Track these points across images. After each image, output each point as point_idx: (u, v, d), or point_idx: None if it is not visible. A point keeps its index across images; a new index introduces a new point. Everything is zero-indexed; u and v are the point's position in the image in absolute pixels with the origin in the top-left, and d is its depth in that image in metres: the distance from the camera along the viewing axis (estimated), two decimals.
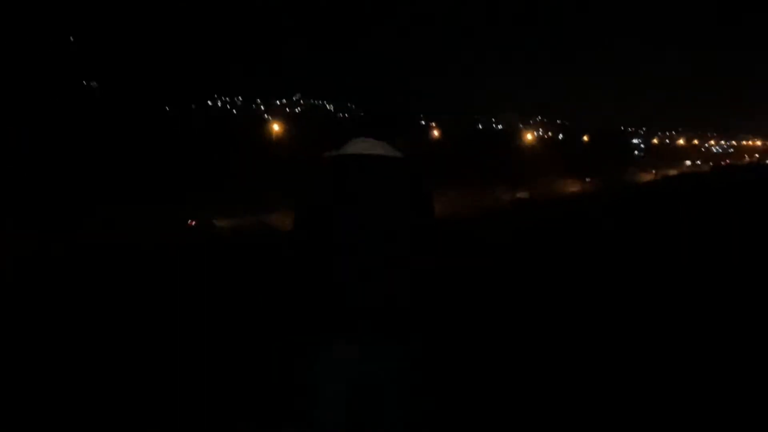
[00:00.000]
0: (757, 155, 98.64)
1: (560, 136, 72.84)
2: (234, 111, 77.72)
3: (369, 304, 1.62)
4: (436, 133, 55.06)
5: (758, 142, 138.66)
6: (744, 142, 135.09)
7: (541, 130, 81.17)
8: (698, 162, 72.11)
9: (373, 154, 1.69)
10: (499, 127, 72.59)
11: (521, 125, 71.82)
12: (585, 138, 61.32)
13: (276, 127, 49.07)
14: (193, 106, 57.62)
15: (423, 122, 77.53)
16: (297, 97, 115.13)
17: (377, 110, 1.83)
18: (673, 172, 57.93)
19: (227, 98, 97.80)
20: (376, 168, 1.68)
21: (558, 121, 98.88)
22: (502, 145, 40.60)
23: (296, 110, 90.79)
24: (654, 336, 4.22)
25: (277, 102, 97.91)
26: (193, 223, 24.64)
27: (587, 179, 44.26)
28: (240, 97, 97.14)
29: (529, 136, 55.00)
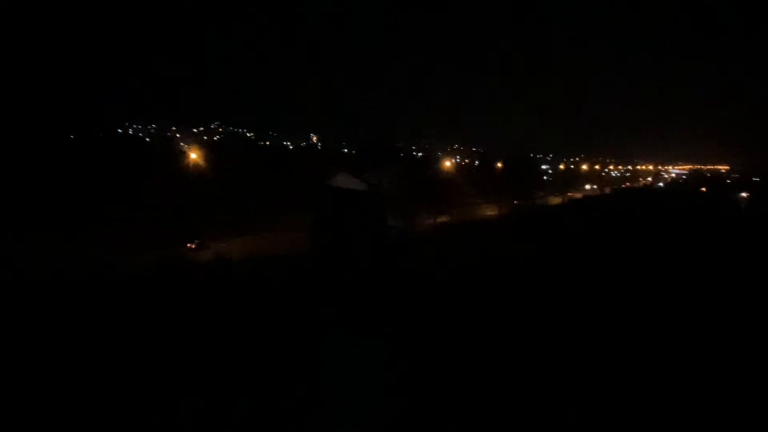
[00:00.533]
0: (650, 178, 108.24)
1: (476, 163, 76.12)
2: (147, 139, 74.32)
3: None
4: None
5: (650, 167, 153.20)
6: (639, 167, 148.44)
7: (458, 157, 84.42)
8: (595, 186, 77.26)
9: (349, 187, 2.33)
10: (419, 154, 74.63)
11: (439, 153, 74.35)
12: (499, 164, 64.47)
13: (193, 156, 47.36)
14: (100, 134, 54.34)
15: (345, 150, 77.97)
16: (215, 125, 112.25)
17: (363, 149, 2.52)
18: (578, 195, 62.47)
19: (138, 125, 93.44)
20: (348, 197, 2.31)
21: (473, 149, 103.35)
22: (422, 173, 41.75)
23: (214, 138, 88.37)
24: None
25: (194, 130, 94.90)
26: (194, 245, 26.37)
27: (515, 201, 46.31)
28: (154, 125, 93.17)
29: (447, 163, 56.97)
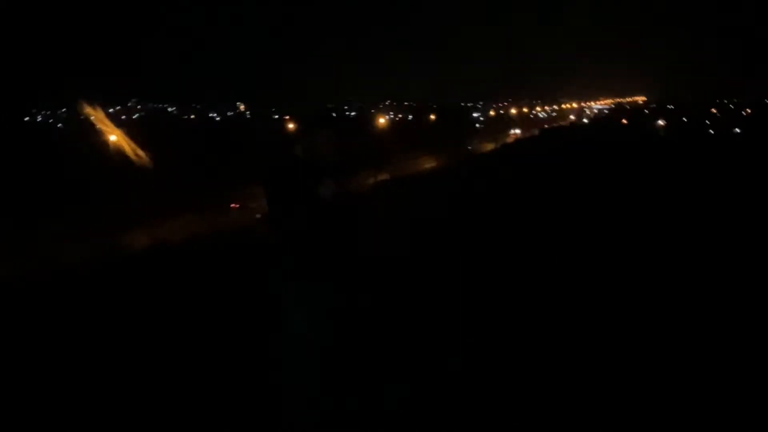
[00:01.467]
0: (572, 117, 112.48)
1: (409, 117, 76.23)
2: (59, 125, 69.05)
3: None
4: (291, 125, 54.44)
5: (575, 105, 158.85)
6: (564, 106, 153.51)
7: (391, 113, 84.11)
8: (518, 131, 77.24)
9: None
10: (352, 114, 73.79)
11: (372, 110, 73.78)
12: (431, 116, 64.87)
13: (113, 138, 44.54)
14: (3, 123, 49.95)
15: (276, 116, 75.83)
16: (132, 103, 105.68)
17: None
18: (509, 140, 64.14)
19: (47, 111, 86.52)
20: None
21: (405, 103, 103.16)
22: (357, 131, 41.37)
23: (133, 117, 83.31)
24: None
25: (110, 110, 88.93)
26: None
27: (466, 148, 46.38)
28: (64, 109, 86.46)
29: (381, 120, 56.69)
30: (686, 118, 74.72)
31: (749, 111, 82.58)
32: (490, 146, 58.22)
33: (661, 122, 69.18)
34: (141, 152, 38.98)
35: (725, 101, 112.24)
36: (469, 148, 52.22)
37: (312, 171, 2.62)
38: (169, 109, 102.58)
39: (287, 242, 2.66)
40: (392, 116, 77.96)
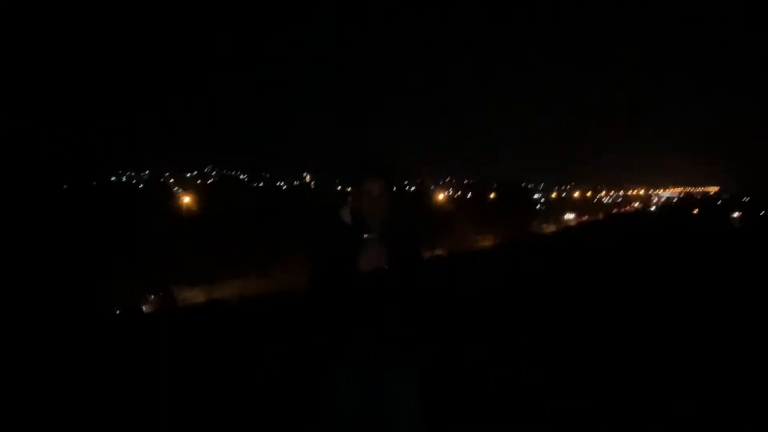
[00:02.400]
0: (636, 204, 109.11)
1: (469, 195, 76.62)
2: (141, 186, 74.50)
3: None
4: None
5: (641, 191, 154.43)
6: (630, 192, 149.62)
7: (450, 190, 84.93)
8: (573, 216, 74.59)
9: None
10: (413, 189, 75.06)
11: (433, 186, 74.89)
12: (492, 195, 64.96)
13: (186, 200, 47.52)
14: (94, 182, 54.20)
15: (339, 187, 78.47)
16: (209, 168, 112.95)
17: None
18: (564, 225, 63.13)
19: (132, 172, 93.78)
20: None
21: (465, 181, 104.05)
22: (417, 206, 42.03)
23: (208, 182, 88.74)
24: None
25: (187, 174, 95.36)
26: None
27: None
28: (147, 172, 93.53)
29: (440, 196, 57.41)
30: (765, 211, 70.73)
31: None
32: (551, 228, 57.40)
33: (736, 214, 65.82)
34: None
35: None
36: (533, 227, 51.57)
37: (357, 233, 2.31)
38: (241, 177, 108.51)
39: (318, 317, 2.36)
40: (451, 193, 78.65)
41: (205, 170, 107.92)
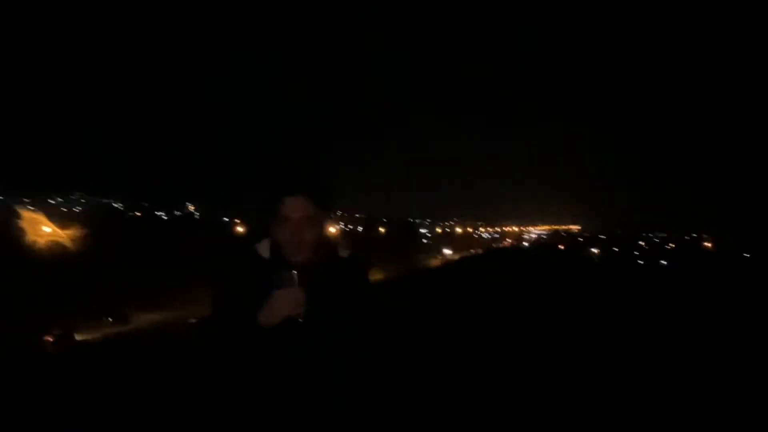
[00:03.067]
0: (507, 240, 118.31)
1: (360, 229, 77.61)
2: None
3: None
4: (240, 228, 54.14)
5: (515, 228, 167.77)
6: (506, 228, 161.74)
7: (341, 223, 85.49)
8: (450, 251, 77.28)
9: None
10: None
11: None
12: (381, 230, 66.40)
13: (46, 229, 42.72)
14: None
15: (226, 219, 75.39)
16: (76, 196, 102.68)
17: None
18: (454, 257, 66.46)
19: None
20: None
21: (356, 215, 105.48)
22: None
23: (75, 209, 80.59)
24: None
25: (50, 201, 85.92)
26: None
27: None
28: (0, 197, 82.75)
29: (332, 230, 57.50)
30: (617, 248, 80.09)
31: (672, 246, 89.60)
32: (435, 261, 60.05)
33: (595, 250, 73.72)
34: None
35: (650, 235, 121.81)
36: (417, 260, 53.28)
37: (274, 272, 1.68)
38: (114, 205, 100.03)
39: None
40: (343, 226, 79.16)
41: (72, 197, 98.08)
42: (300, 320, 1.65)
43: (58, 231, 42.17)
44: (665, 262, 55.49)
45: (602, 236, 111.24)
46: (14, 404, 4.84)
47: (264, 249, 1.79)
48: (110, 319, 25.14)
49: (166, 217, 79.95)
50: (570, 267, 33.30)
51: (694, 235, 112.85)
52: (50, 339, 21.31)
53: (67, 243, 39.25)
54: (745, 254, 65.73)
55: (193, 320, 26.24)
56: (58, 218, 48.91)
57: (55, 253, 36.24)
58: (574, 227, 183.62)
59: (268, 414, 1.68)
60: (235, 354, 1.68)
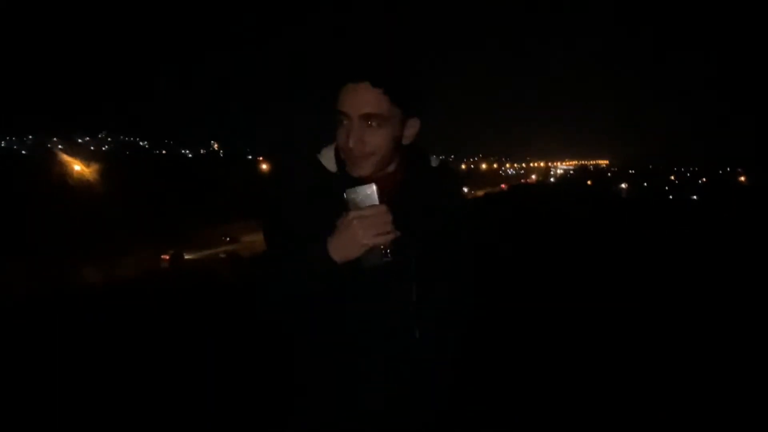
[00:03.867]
0: (533, 176, 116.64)
1: None
2: (23, 152, 67.18)
3: None
4: (264, 166, 54.42)
5: (542, 163, 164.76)
6: (532, 164, 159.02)
7: None
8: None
9: None
10: None
11: None
12: None
13: (77, 167, 43.58)
14: None
15: (250, 156, 75.83)
16: (103, 135, 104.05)
17: None
18: (480, 192, 65.92)
19: (12, 137, 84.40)
20: None
21: None
22: None
23: (103, 148, 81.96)
24: None
25: (79, 140, 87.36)
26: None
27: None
28: (30, 136, 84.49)
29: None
30: (647, 183, 78.11)
31: (705, 180, 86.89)
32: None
33: (623, 185, 72.08)
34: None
35: (682, 169, 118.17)
36: None
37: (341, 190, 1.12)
38: (141, 143, 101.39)
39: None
40: None
41: (99, 136, 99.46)
42: (387, 252, 1.09)
43: (86, 170, 43.12)
44: (696, 197, 54.15)
45: (632, 171, 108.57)
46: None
47: (328, 159, 1.22)
48: (227, 239, 31.10)
49: (190, 155, 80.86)
50: (595, 205, 32.71)
51: (728, 169, 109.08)
52: (166, 258, 25.99)
53: (96, 182, 40.19)
54: None
55: (223, 255, 28.00)
56: (88, 157, 49.86)
57: (93, 191, 37.31)
58: (603, 162, 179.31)
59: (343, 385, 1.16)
60: (298, 303, 1.12)
